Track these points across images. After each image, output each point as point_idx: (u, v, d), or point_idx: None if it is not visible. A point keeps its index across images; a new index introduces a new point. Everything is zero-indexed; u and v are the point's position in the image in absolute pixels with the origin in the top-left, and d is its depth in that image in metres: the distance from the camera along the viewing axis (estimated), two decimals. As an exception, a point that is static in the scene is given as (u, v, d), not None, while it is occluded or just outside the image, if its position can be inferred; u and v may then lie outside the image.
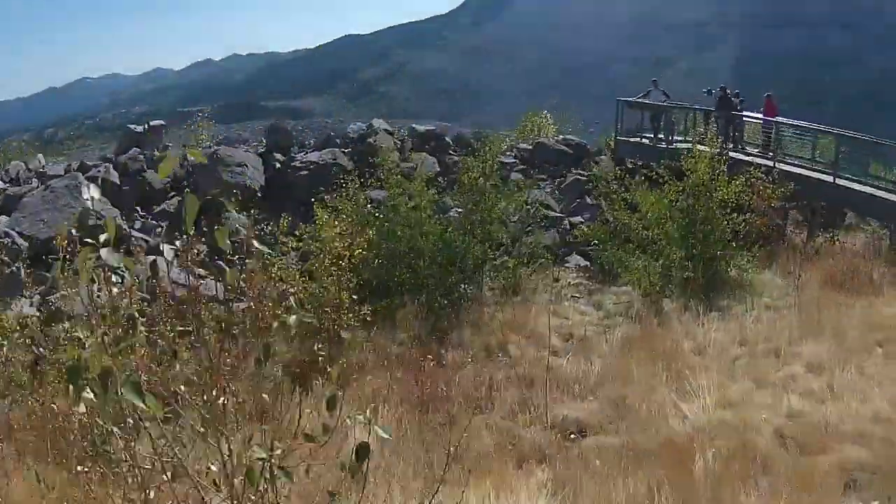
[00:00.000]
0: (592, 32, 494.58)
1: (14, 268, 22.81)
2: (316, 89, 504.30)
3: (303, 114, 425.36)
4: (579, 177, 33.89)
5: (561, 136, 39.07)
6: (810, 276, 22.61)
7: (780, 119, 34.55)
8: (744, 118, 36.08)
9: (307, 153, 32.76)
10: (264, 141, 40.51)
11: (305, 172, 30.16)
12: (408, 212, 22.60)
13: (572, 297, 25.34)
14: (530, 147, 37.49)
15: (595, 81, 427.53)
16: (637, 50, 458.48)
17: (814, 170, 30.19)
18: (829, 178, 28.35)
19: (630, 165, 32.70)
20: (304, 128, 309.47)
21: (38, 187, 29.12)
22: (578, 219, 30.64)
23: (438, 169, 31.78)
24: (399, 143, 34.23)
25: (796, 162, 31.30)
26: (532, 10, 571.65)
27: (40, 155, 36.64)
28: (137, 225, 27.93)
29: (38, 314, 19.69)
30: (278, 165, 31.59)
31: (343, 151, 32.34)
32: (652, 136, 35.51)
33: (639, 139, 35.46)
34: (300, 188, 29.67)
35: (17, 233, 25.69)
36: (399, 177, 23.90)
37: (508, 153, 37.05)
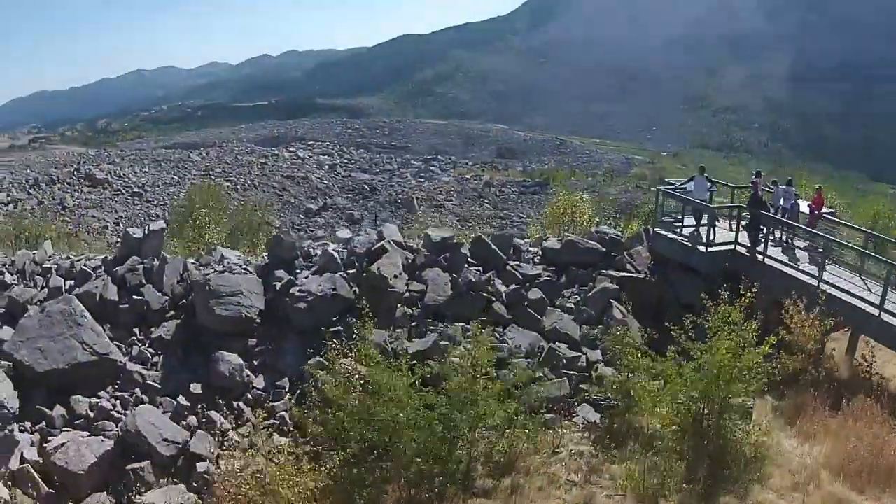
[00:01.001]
0: (647, 38, 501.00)
1: (6, 431, 21.81)
2: (372, 88, 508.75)
3: (359, 112, 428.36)
4: (608, 285, 30.44)
5: (595, 229, 35.02)
6: (831, 448, 21.42)
7: (827, 214, 32.37)
8: (791, 210, 32.84)
9: (308, 276, 29.08)
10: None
11: (304, 305, 27.08)
12: (386, 404, 20.82)
13: (567, 481, 22.71)
14: (558, 246, 33.44)
15: (649, 87, 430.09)
16: (690, 57, 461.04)
17: (862, 298, 26.27)
18: (875, 311, 25.05)
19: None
20: (362, 126, 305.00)
21: (41, 291, 27.54)
22: (598, 355, 27.66)
23: (450, 292, 28.71)
24: (410, 258, 30.38)
25: (845, 276, 27.96)
26: (589, 14, 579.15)
27: (48, 242, 34.23)
28: (135, 351, 26.20)
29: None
30: (279, 286, 28.30)
31: (345, 275, 28.87)
32: (693, 227, 32.65)
33: (677, 234, 32.40)
34: (300, 319, 27.35)
35: (17, 360, 24.20)
36: (378, 360, 21.76)
37: (533, 250, 34.15)
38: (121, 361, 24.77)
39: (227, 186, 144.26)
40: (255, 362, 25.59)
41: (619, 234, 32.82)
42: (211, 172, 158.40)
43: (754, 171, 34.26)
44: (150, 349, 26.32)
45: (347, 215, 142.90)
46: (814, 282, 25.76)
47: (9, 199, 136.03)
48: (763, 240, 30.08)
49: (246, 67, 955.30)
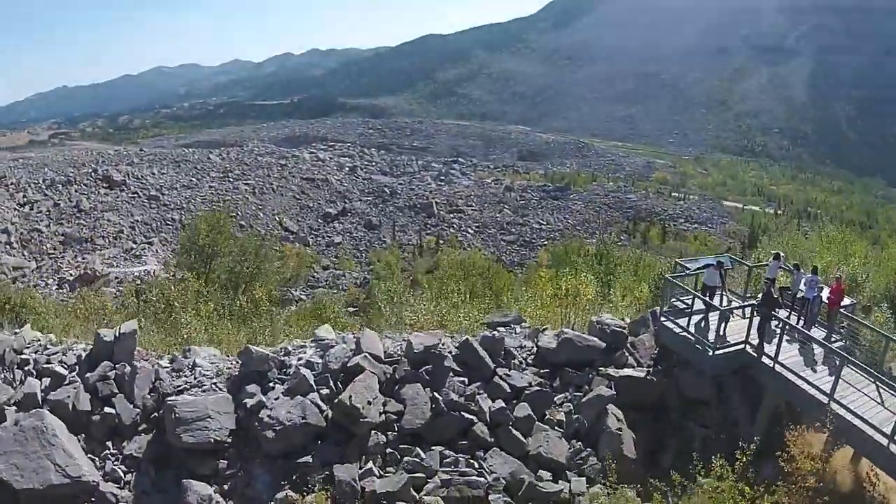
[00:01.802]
0: (670, 41, 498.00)
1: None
2: (395, 88, 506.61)
3: (381, 112, 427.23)
4: (604, 391, 26.48)
5: (596, 318, 29.43)
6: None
7: (847, 306, 26.97)
8: (813, 303, 27.45)
9: (279, 396, 25.54)
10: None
11: (272, 434, 24.28)
12: None
13: None
14: (554, 345, 28.39)
15: (671, 90, 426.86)
16: (713, 61, 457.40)
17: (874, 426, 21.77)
18: (884, 440, 21.05)
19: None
20: (383, 127, 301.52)
21: (17, 391, 25.05)
22: (582, 485, 23.55)
23: (429, 413, 24.97)
24: (388, 373, 26.42)
25: (862, 382, 23.37)
26: (612, 16, 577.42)
27: (27, 326, 28.97)
28: (108, 467, 23.81)
29: None
30: (250, 404, 25.15)
31: (319, 396, 25.26)
32: (701, 314, 28.05)
33: (683, 328, 27.30)
34: (269, 446, 24.37)
35: (-5, 477, 24.31)
36: None
37: (527, 344, 28.92)
38: (94, 481, 23.22)
39: (245, 191, 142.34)
40: (226, 486, 23.70)
41: (622, 324, 28.91)
42: (230, 175, 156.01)
43: (773, 254, 30.12)
44: (122, 466, 24.24)
45: (366, 221, 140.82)
46: (824, 398, 22.95)
47: (24, 200, 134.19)
48: (776, 335, 26.81)
49: (268, 65, 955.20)
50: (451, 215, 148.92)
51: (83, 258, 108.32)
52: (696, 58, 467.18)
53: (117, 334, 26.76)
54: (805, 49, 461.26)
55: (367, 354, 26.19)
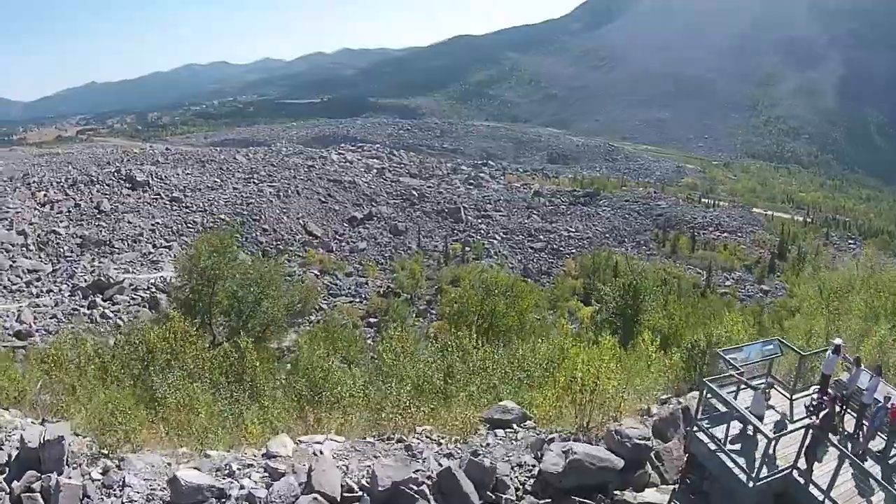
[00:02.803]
0: (701, 45, 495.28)
1: None
2: (427, 88, 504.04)
3: (411, 112, 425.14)
4: None
5: (615, 427, 21.84)
6: None
7: None
8: (878, 415, 20.39)
9: None
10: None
11: None
12: None
13: None
14: (560, 468, 20.65)
15: (702, 94, 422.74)
16: (745, 64, 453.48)
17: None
18: None
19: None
20: (413, 127, 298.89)
21: None
22: None
23: None
24: None
25: None
26: (643, 18, 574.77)
27: None
28: None
29: None
30: None
31: None
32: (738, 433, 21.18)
33: (719, 444, 20.66)
34: None
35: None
36: None
37: (528, 461, 21.45)
38: None
39: (270, 193, 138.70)
40: None
41: (646, 435, 23.65)
42: (255, 176, 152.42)
43: (833, 345, 22.38)
44: None
45: (392, 226, 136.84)
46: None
47: (46, 199, 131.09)
48: (827, 452, 21.10)
49: (299, 64, 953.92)
50: (479, 220, 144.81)
51: (100, 262, 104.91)
52: (726, 61, 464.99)
53: (42, 440, 22.43)
54: (836, 54, 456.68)
55: (317, 496, 20.48)
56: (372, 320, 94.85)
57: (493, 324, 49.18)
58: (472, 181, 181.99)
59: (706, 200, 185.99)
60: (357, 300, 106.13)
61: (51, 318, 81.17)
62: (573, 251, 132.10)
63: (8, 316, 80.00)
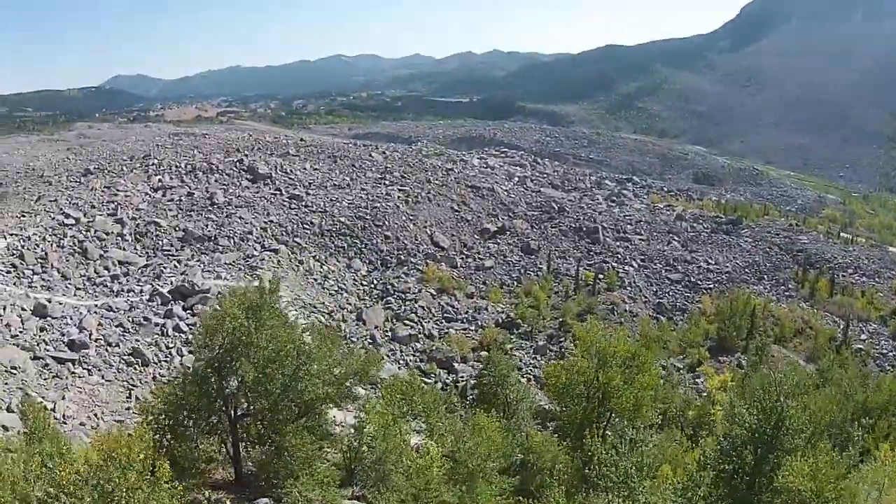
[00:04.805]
0: (847, 71, 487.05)
1: None
2: (575, 96, 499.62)
3: (559, 119, 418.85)
4: None
5: None
6: None
7: None
8: None
9: None
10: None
11: None
12: None
13: None
14: None
15: (845, 122, 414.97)
16: (883, 94, 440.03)
17: None
18: None
19: None
20: (560, 135, 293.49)
21: None
22: None
23: None
24: None
25: None
26: (790, 40, 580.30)
27: None
28: None
29: None
30: None
31: None
32: None
33: None
34: None
35: None
36: None
37: None
38: None
39: (398, 198, 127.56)
40: None
41: None
42: (388, 176, 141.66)
43: None
44: None
45: (524, 244, 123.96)
46: None
47: (160, 184, 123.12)
48: None
49: (449, 62, 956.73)
50: (617, 243, 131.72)
51: (199, 259, 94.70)
52: (866, 89, 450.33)
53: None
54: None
55: None
56: (484, 354, 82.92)
57: (606, 398, 43.36)
58: (614, 198, 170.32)
59: (845, 235, 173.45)
60: (472, 328, 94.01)
61: (116, 325, 69.93)
62: (711, 286, 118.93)
63: (72, 318, 69.65)
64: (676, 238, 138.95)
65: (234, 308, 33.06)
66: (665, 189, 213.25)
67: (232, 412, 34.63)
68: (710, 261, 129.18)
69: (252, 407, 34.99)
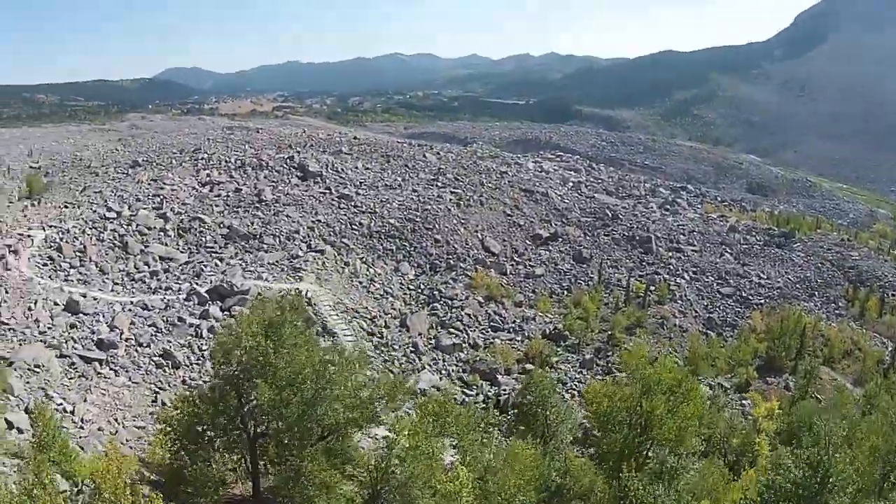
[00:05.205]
0: (893, 81, 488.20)
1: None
2: (631, 101, 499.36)
3: (615, 124, 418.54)
4: None
5: None
6: None
7: None
8: None
9: None
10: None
11: None
12: None
13: None
14: None
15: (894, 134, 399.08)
16: None
17: None
18: None
19: None
20: (616, 140, 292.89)
21: None
22: None
23: None
24: None
25: None
26: (845, 50, 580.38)
27: None
28: None
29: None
30: None
31: None
32: None
33: None
34: None
35: None
36: None
37: None
38: None
39: (449, 200, 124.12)
40: None
41: None
42: (440, 178, 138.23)
43: None
44: None
45: (576, 252, 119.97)
46: None
47: (208, 179, 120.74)
48: None
49: (506, 64, 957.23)
50: (670, 254, 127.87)
51: (242, 258, 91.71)
52: None
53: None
54: None
55: None
56: (529, 366, 79.76)
57: (648, 426, 43.23)
58: (668, 206, 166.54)
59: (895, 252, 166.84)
60: (518, 339, 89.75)
61: (149, 325, 66.61)
62: (762, 301, 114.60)
63: (104, 315, 66.54)
64: (729, 250, 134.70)
65: (253, 326, 32.58)
66: (719, 199, 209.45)
67: (252, 429, 33.73)
68: (761, 275, 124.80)
69: (269, 428, 33.95)
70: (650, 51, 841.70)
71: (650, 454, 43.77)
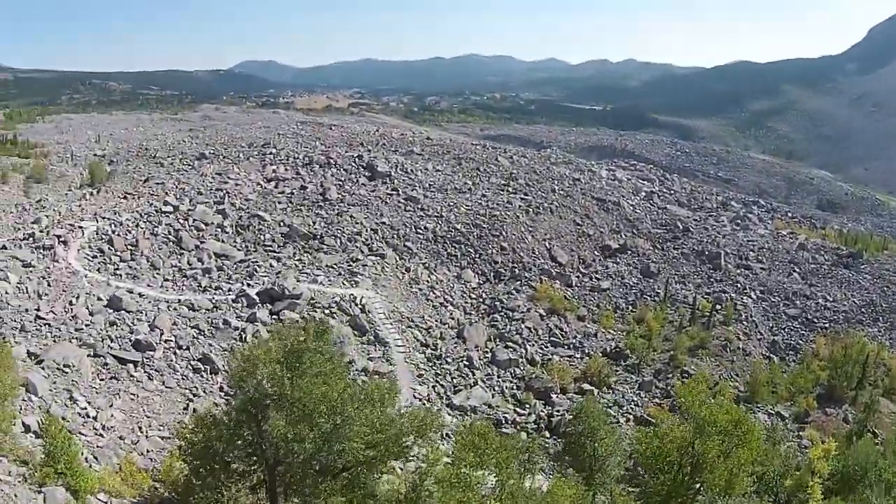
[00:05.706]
0: None
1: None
2: (706, 111, 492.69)
3: (690, 133, 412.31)
4: None
5: None
6: None
7: None
8: None
9: None
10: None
11: None
12: None
13: None
14: None
15: None
16: None
17: None
18: None
19: None
20: (691, 150, 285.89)
21: None
22: None
23: None
24: None
25: None
26: None
27: None
28: None
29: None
30: None
31: None
32: None
33: None
34: None
35: None
36: None
37: None
38: None
39: (518, 207, 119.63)
40: None
41: None
42: (512, 183, 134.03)
43: None
44: None
45: (643, 266, 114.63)
46: None
47: (273, 175, 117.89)
48: None
49: (584, 69, 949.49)
50: (738, 271, 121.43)
51: (300, 258, 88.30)
52: None
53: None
54: None
55: None
56: (586, 386, 75.72)
57: (697, 469, 39.66)
58: (739, 220, 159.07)
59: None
60: (577, 356, 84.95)
61: (192, 326, 62.73)
62: (827, 325, 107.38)
63: (146, 314, 62.84)
64: (797, 269, 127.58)
65: (270, 353, 29.81)
66: (789, 214, 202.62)
67: (271, 457, 31.23)
68: (828, 297, 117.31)
69: (286, 457, 31.07)
70: (727, 60, 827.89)
71: (699, 497, 40.99)
